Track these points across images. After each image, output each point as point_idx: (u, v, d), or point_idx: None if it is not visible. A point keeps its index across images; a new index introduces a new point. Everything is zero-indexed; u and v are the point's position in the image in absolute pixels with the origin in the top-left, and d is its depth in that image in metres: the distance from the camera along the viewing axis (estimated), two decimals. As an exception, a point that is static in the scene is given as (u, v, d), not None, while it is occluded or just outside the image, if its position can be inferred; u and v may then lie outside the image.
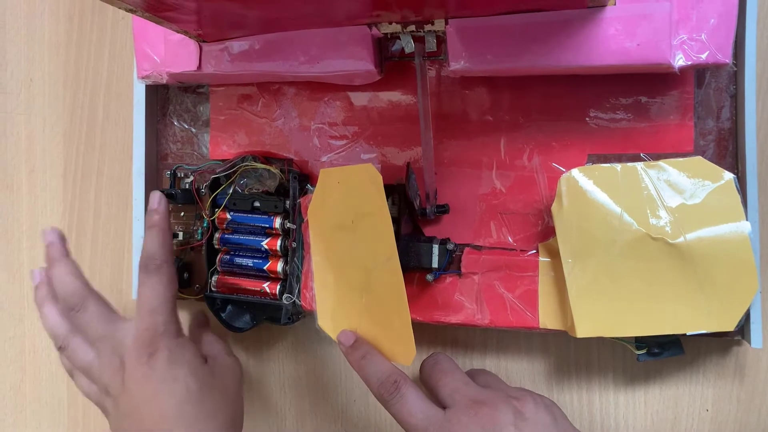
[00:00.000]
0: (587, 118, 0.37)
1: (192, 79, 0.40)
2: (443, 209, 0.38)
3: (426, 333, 0.41)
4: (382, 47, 0.37)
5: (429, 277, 0.36)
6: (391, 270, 0.34)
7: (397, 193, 0.37)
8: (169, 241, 0.37)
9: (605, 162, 0.36)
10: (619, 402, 0.38)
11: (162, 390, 0.35)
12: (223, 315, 0.42)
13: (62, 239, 0.39)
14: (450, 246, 0.36)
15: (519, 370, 0.40)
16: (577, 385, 0.39)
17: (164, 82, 0.40)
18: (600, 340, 0.39)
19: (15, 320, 0.49)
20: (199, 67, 0.38)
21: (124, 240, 0.47)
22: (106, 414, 0.37)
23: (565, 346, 0.39)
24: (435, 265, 0.36)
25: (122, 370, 0.36)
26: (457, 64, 0.34)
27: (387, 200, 0.36)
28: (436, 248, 0.36)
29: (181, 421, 0.34)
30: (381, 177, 0.34)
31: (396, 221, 0.37)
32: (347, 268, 0.36)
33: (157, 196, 0.38)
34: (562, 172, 0.37)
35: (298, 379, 0.44)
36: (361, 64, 0.36)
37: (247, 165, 0.40)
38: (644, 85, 0.36)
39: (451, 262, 0.37)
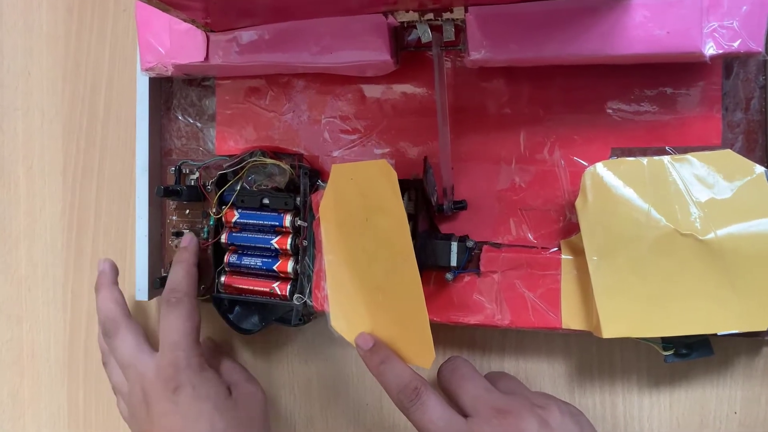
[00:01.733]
0: (610, 111, 0.36)
1: (198, 71, 0.38)
2: (461, 205, 0.36)
3: (441, 334, 0.40)
4: (397, 37, 0.35)
5: (448, 276, 0.35)
6: (408, 270, 0.33)
7: (414, 188, 0.35)
8: (194, 275, 0.38)
9: (629, 156, 0.35)
10: (643, 405, 0.37)
11: (187, 426, 0.35)
12: (230, 317, 0.41)
13: (114, 269, 0.41)
14: (470, 243, 0.35)
15: (539, 373, 0.39)
16: (599, 387, 0.38)
17: (169, 74, 0.39)
18: (623, 341, 0.37)
19: (12, 322, 0.47)
20: (207, 58, 0.37)
21: (126, 240, 0.45)
22: None
23: (587, 347, 0.38)
24: (453, 263, 0.35)
25: (146, 402, 0.36)
26: (477, 54, 0.33)
27: (403, 197, 0.34)
28: (454, 246, 0.35)
29: None
30: (395, 173, 0.32)
31: (413, 218, 0.35)
32: (361, 268, 0.35)
33: (189, 237, 0.40)
34: (585, 167, 0.36)
35: (308, 383, 0.42)
36: (376, 54, 0.34)
37: (256, 160, 0.39)
38: (669, 75, 0.35)
39: (470, 261, 0.36)
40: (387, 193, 0.33)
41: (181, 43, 0.37)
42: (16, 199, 0.47)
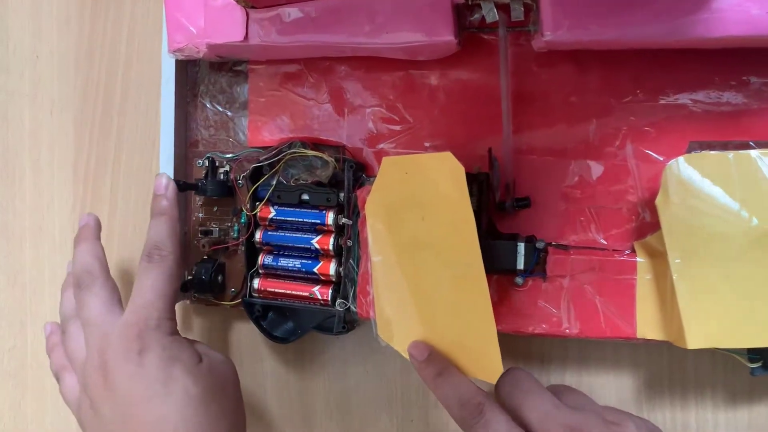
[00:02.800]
0: (688, 100, 0.33)
1: (235, 52, 0.35)
2: (524, 203, 0.33)
3: (496, 344, 0.36)
4: (459, 16, 0.32)
5: (519, 279, 0.31)
6: (473, 275, 0.29)
7: (476, 183, 0.32)
8: (178, 232, 0.34)
9: (708, 150, 0.32)
10: (719, 422, 0.34)
11: (156, 392, 0.30)
12: (263, 323, 0.37)
13: (98, 225, 0.36)
14: (540, 244, 0.32)
15: (603, 386, 0.35)
16: (670, 402, 0.35)
17: (200, 56, 0.35)
18: (696, 351, 0.34)
19: (15, 329, 0.43)
20: (246, 37, 0.33)
21: (144, 238, 0.41)
22: (82, 425, 0.32)
23: (657, 359, 0.35)
24: (520, 266, 0.32)
25: (104, 368, 0.31)
26: (552, 35, 0.30)
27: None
28: (521, 247, 0.32)
29: (183, 427, 0.29)
30: (463, 168, 0.29)
31: (476, 216, 0.32)
32: (415, 271, 0.32)
33: (164, 179, 0.35)
34: (659, 161, 0.33)
35: (346, 396, 0.39)
36: (438, 34, 0.31)
37: (295, 152, 0.35)
38: (755, 62, 0.32)
39: (538, 264, 0.33)
40: (451, 190, 0.30)
41: (218, 21, 0.33)
42: (21, 195, 0.43)
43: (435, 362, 0.31)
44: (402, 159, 0.32)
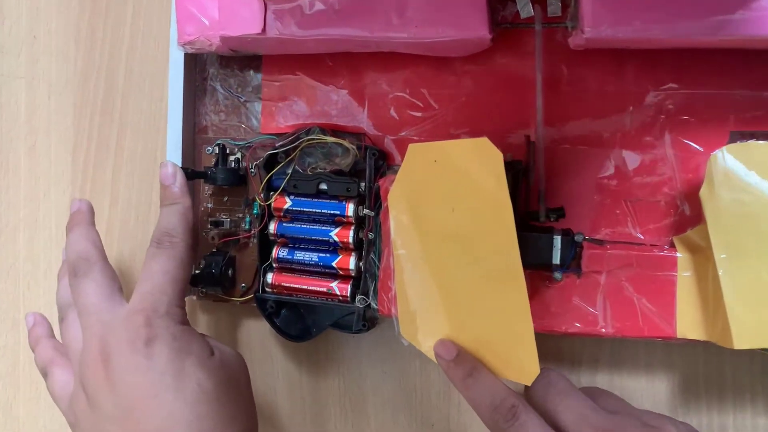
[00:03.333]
0: (730, 89, 0.31)
1: (250, 46, 0.33)
2: (559, 213, 0.31)
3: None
4: (492, 11, 0.30)
5: (557, 275, 0.30)
6: (510, 269, 0.28)
7: (510, 172, 0.30)
8: (190, 220, 0.32)
9: (751, 140, 0.31)
10: (758, 427, 0.33)
11: (165, 386, 0.27)
12: (276, 320, 0.35)
13: (91, 210, 0.34)
14: (578, 238, 0.30)
15: (636, 389, 0.34)
16: (706, 406, 0.33)
17: (213, 49, 0.33)
18: (733, 352, 0.33)
19: (8, 326, 0.41)
20: (264, 30, 0.31)
21: (148, 230, 0.39)
22: (75, 423, 0.29)
23: (692, 360, 0.33)
24: (556, 261, 0.30)
25: (105, 359, 0.28)
26: (593, 32, 0.28)
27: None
28: (558, 240, 0.30)
29: (197, 425, 0.27)
30: (501, 155, 0.27)
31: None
32: (442, 266, 0.30)
33: (170, 167, 0.32)
34: (699, 152, 0.32)
35: (363, 398, 0.36)
36: (471, 30, 0.29)
37: (314, 139, 0.33)
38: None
39: (575, 258, 0.31)
40: (487, 178, 0.28)
41: (234, 11, 0.31)
42: (16, 183, 0.40)
43: (464, 362, 0.29)
44: (430, 146, 0.30)
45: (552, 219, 0.31)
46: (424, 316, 0.31)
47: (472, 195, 0.28)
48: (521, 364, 0.28)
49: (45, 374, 0.32)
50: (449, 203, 0.29)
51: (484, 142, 0.28)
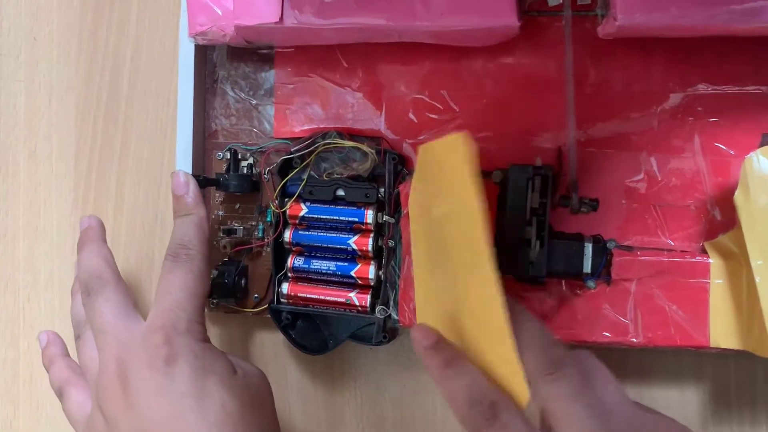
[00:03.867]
0: (761, 89, 0.30)
1: (265, 36, 0.31)
2: (593, 204, 0.29)
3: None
4: (521, -1, 0.29)
5: (591, 283, 0.28)
6: (482, 282, 0.24)
7: (539, 177, 0.29)
8: (206, 231, 0.30)
9: (784, 143, 0.30)
10: (792, 438, 0.32)
11: (187, 407, 0.26)
12: (292, 333, 0.33)
13: (101, 226, 0.33)
14: (611, 245, 0.29)
15: (666, 399, 0.33)
16: (738, 418, 0.32)
17: (226, 40, 0.31)
18: (765, 361, 0.32)
19: (7, 340, 0.39)
20: (281, 18, 0.30)
21: (155, 240, 0.37)
22: None
23: (723, 369, 0.32)
24: (587, 269, 0.29)
25: (123, 380, 0.27)
26: (626, 19, 0.27)
27: (528, 186, 0.28)
28: (589, 248, 0.29)
29: None
30: (472, 151, 0.25)
31: (536, 213, 0.29)
32: (430, 274, 0.28)
33: (182, 176, 0.31)
34: (730, 155, 0.31)
35: (381, 414, 0.35)
36: (500, 17, 0.28)
37: (330, 143, 0.32)
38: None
39: (606, 266, 0.30)
40: (459, 179, 0.25)
41: (249, 0, 0.30)
42: (15, 190, 0.39)
43: (443, 350, 0.26)
44: (432, 145, 0.27)
45: (584, 210, 0.29)
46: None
47: (448, 198, 0.26)
48: (511, 388, 0.25)
49: (61, 395, 0.31)
50: (433, 205, 0.27)
51: (456, 138, 0.25)
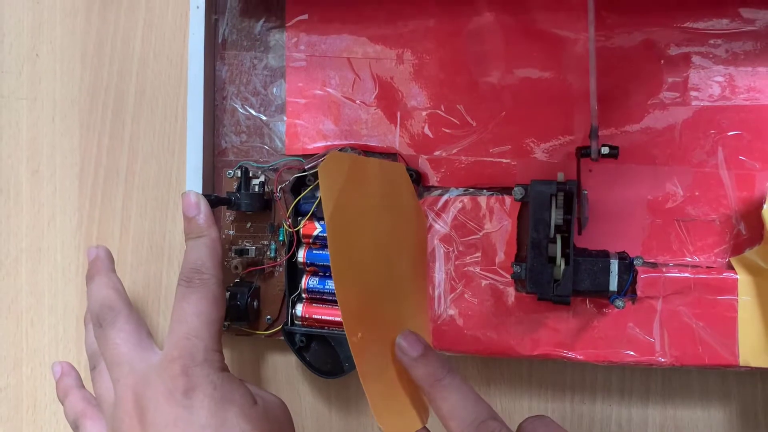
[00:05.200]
0: (785, 101, 0.30)
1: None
2: (613, 152, 0.28)
3: (569, 372, 0.32)
4: None
5: (619, 303, 0.27)
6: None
7: (563, 193, 0.28)
8: (219, 253, 0.29)
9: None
10: (822, 457, 0.31)
11: None
12: (306, 355, 0.32)
13: (109, 256, 0.32)
14: (638, 262, 0.28)
15: (691, 421, 0.32)
16: (766, 436, 0.31)
17: None
18: (793, 379, 0.31)
19: (9, 365, 0.38)
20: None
21: (163, 261, 0.36)
22: None
23: (750, 389, 0.32)
24: (614, 287, 0.28)
25: (140, 411, 0.26)
26: None
27: (550, 202, 0.28)
28: (615, 265, 0.28)
29: None
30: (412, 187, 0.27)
31: (561, 230, 0.28)
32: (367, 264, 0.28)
33: (193, 197, 0.30)
34: (755, 168, 0.30)
35: (397, 436, 0.34)
36: None
37: (345, 160, 0.31)
38: None
39: (632, 283, 0.29)
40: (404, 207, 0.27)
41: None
42: (17, 211, 0.38)
43: (434, 362, 0.26)
44: (349, 156, 0.29)
45: (605, 154, 0.27)
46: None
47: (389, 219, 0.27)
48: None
49: (76, 428, 0.30)
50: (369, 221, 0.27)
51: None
